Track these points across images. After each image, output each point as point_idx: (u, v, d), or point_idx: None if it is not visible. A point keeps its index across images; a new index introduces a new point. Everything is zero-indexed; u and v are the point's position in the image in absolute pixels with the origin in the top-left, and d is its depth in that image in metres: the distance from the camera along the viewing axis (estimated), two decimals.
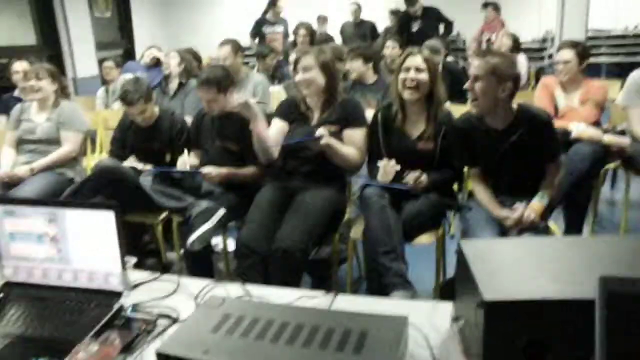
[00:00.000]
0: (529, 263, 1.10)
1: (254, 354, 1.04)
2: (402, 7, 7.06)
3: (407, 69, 2.44)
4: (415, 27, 6.50)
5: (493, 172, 2.39)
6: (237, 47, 3.96)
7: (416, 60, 2.44)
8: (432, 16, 6.53)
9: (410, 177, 2.35)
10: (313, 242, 2.35)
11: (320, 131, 2.40)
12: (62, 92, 3.39)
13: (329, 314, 1.23)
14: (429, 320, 1.25)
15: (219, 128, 2.86)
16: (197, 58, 4.55)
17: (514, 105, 2.31)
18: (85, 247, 1.40)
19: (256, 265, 2.33)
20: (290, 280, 2.29)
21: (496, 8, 6.38)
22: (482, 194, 2.40)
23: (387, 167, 2.36)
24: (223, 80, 2.75)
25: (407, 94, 2.44)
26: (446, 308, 1.30)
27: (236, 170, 2.78)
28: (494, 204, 2.33)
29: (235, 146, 2.81)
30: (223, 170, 2.73)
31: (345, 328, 1.10)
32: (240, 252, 2.37)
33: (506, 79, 2.18)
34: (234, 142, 2.81)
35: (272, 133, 2.59)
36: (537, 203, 2.26)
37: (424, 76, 2.42)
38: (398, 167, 2.36)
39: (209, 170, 2.69)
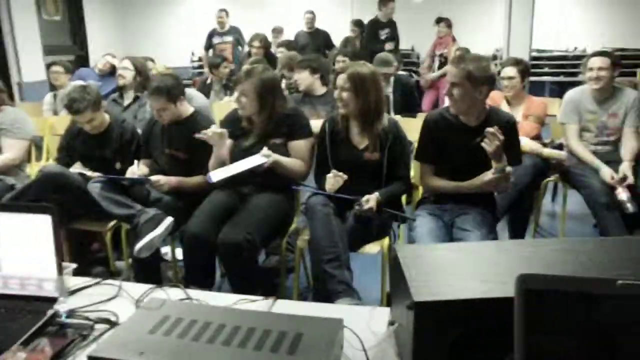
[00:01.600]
0: (459, 266, 1.15)
1: (190, 355, 1.04)
2: (361, 17, 7.27)
3: (337, 87, 2.52)
4: (383, 34, 6.71)
5: (454, 168, 2.47)
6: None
7: (341, 78, 2.49)
8: (394, 27, 6.82)
9: (365, 201, 2.33)
10: (260, 241, 2.38)
11: (265, 152, 2.45)
12: None
13: (266, 316, 1.24)
14: (366, 325, 1.27)
15: (169, 137, 2.84)
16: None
17: (487, 105, 2.44)
18: (18, 252, 1.36)
19: (204, 255, 2.40)
20: (239, 274, 2.36)
21: (448, 24, 6.58)
22: (439, 182, 2.50)
23: (334, 180, 2.38)
24: (173, 89, 2.74)
25: (340, 110, 2.52)
26: (384, 313, 1.33)
27: (185, 179, 2.76)
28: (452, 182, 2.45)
29: (184, 155, 2.80)
30: (172, 179, 2.71)
31: (280, 330, 1.12)
32: (188, 244, 2.42)
33: (481, 82, 2.30)
34: (182, 151, 2.79)
35: (213, 155, 2.62)
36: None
37: (345, 94, 2.47)
38: (345, 177, 2.39)
39: (158, 178, 2.67)
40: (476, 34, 8.43)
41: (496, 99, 3.55)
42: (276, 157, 2.48)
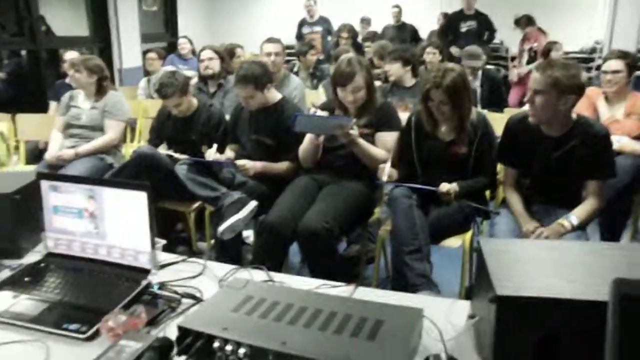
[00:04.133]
0: (546, 263, 1.11)
1: (271, 334, 1.08)
2: (450, 11, 7.12)
3: (434, 100, 2.41)
4: (464, 27, 6.57)
5: (536, 178, 2.35)
6: (284, 47, 4.00)
7: (438, 94, 2.37)
8: (483, 21, 6.64)
9: (443, 187, 2.35)
10: (340, 230, 2.39)
11: (353, 120, 2.43)
12: (101, 85, 3.51)
13: (348, 301, 1.26)
14: (446, 317, 1.26)
15: (256, 122, 2.92)
16: (231, 54, 4.62)
17: (573, 115, 2.25)
18: (119, 224, 1.47)
19: (276, 248, 2.43)
20: (317, 262, 2.38)
21: (528, 22, 6.26)
22: (514, 202, 2.38)
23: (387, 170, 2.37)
24: (260, 77, 2.79)
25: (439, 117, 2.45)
26: (464, 306, 1.32)
27: (271, 164, 2.83)
28: (524, 215, 2.30)
29: (270, 140, 2.86)
30: (257, 164, 2.79)
31: (361, 316, 1.13)
32: (263, 232, 2.46)
33: (568, 91, 2.11)
34: (269, 137, 2.86)
35: (308, 137, 2.64)
36: (561, 225, 2.18)
37: (445, 108, 2.38)
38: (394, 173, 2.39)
39: (244, 162, 2.76)
40: (574, 25, 7.96)
41: (592, 96, 3.34)
42: (357, 137, 2.45)
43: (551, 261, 1.13)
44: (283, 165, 2.83)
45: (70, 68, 3.84)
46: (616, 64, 3.19)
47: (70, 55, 4.61)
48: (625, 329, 0.83)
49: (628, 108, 3.21)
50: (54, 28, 6.00)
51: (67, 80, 4.51)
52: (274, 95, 2.92)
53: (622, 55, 3.23)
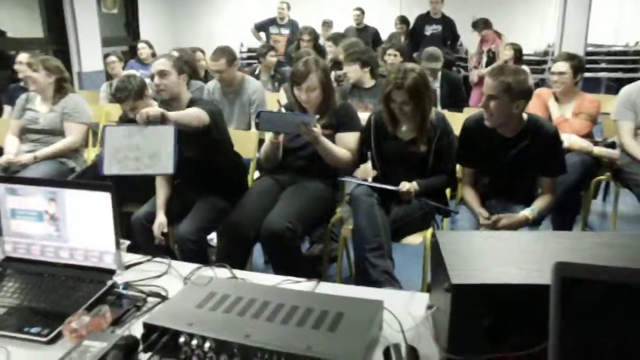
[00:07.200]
0: (498, 253, 1.17)
1: (235, 328, 1.11)
2: (409, 14, 7.24)
3: (396, 102, 2.46)
4: (429, 30, 6.66)
5: (493, 177, 2.46)
6: (231, 58, 3.90)
7: (401, 95, 2.42)
8: (448, 25, 6.74)
9: (403, 185, 2.42)
10: (303, 230, 2.41)
11: (316, 117, 2.44)
12: (61, 86, 3.44)
13: (309, 295, 1.30)
14: (405, 308, 1.31)
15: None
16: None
17: (524, 116, 2.36)
18: (82, 226, 1.46)
19: (239, 249, 2.43)
20: (281, 262, 2.39)
21: (486, 24, 6.44)
22: (470, 198, 2.48)
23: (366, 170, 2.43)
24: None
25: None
26: (423, 298, 1.37)
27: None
28: (477, 202, 2.43)
29: (192, 152, 2.59)
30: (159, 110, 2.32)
31: (323, 309, 1.17)
32: (226, 233, 2.45)
33: (519, 96, 2.22)
34: (190, 149, 2.57)
35: (268, 137, 2.64)
36: (525, 214, 2.31)
37: (407, 108, 2.43)
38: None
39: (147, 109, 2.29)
40: (528, 29, 8.22)
41: (544, 96, 3.48)
42: (322, 137, 2.46)
43: (503, 250, 1.19)
44: (193, 112, 2.51)
45: (27, 68, 3.72)
46: (562, 66, 3.35)
47: (23, 57, 4.47)
48: (566, 310, 0.89)
49: (576, 108, 3.37)
50: (4, 29, 5.82)
51: (22, 83, 4.39)
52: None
53: (568, 57, 3.39)
